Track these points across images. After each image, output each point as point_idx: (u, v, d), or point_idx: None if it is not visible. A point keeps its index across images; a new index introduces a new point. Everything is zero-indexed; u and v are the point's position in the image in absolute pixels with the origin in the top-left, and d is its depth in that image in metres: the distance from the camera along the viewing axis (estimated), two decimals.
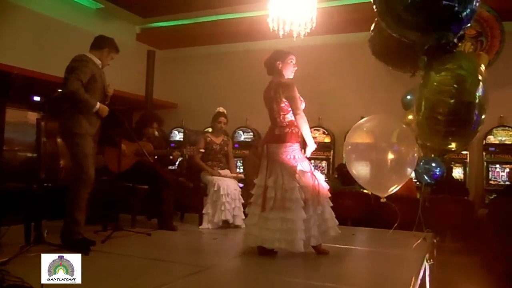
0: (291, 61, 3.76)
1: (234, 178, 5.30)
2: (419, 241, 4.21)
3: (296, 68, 3.79)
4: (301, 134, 3.67)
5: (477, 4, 2.98)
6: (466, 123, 3.35)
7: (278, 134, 3.66)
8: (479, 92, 3.26)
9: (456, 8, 2.83)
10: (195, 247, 4.36)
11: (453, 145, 3.51)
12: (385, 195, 4.59)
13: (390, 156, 4.40)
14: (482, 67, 3.42)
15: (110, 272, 3.07)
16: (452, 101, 3.21)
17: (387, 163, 4.41)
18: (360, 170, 4.65)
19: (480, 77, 3.29)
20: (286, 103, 3.64)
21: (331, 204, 3.67)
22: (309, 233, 3.48)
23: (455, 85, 3.22)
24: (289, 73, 3.77)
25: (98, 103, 3.68)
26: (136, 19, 9.22)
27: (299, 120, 3.61)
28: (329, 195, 3.68)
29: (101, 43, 3.84)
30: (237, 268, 3.52)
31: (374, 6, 3.29)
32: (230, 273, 3.33)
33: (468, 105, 3.23)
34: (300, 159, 3.66)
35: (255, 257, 3.56)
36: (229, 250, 4.12)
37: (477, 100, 3.26)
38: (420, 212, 4.47)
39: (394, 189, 4.56)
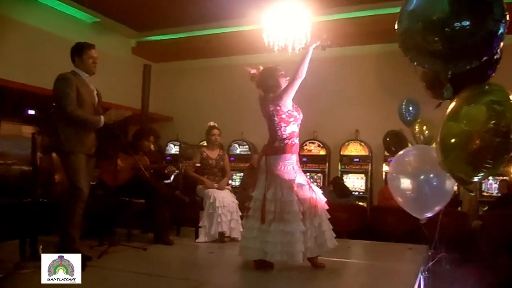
0: (281, 73, 3.80)
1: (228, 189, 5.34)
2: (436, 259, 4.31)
3: (288, 78, 3.81)
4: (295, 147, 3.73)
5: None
6: (502, 158, 3.28)
7: (278, 146, 3.69)
8: None
9: (496, 29, 2.73)
10: (191, 262, 4.35)
11: (482, 176, 3.43)
12: (426, 217, 4.57)
13: (431, 182, 4.40)
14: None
15: None
16: (488, 136, 3.13)
17: (428, 189, 4.40)
18: (404, 195, 4.63)
19: None
20: (287, 114, 3.68)
21: (329, 216, 3.69)
22: (306, 245, 3.48)
23: (491, 121, 3.14)
24: (283, 85, 3.79)
25: (101, 116, 3.70)
26: (132, 33, 9.27)
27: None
28: (327, 207, 3.71)
29: (72, 56, 3.80)
30: (233, 283, 3.52)
31: (399, 44, 3.23)
32: (225, 287, 3.33)
33: (505, 140, 3.04)
34: (298, 171, 3.69)
35: (251, 271, 3.56)
36: (225, 264, 4.11)
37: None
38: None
39: (435, 211, 4.58)
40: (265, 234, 3.48)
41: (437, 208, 4.48)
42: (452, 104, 3.38)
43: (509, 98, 3.13)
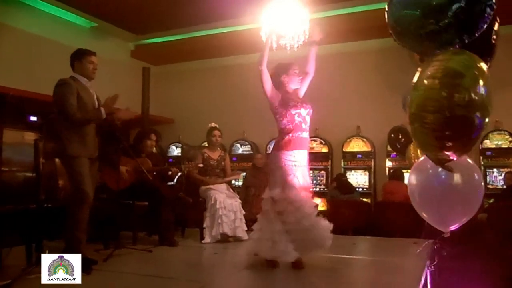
0: (295, 72, 3.78)
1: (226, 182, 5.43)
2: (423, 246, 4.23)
3: (301, 77, 3.81)
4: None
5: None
6: (464, 132, 3.02)
7: (277, 141, 3.69)
8: (480, 91, 2.78)
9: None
10: (196, 263, 4.35)
11: (450, 154, 3.22)
12: (449, 230, 4.43)
13: (455, 191, 4.24)
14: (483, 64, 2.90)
15: None
16: (445, 106, 2.93)
17: (452, 199, 4.24)
18: (426, 208, 4.48)
19: (479, 73, 2.83)
20: (282, 108, 3.66)
21: (321, 217, 3.58)
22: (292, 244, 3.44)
23: (443, 93, 2.91)
24: (295, 84, 3.80)
25: (102, 109, 3.71)
26: (130, 36, 9.28)
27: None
28: (315, 209, 3.60)
29: (71, 62, 3.82)
30: (238, 283, 3.50)
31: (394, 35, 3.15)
32: None
33: (466, 110, 2.76)
34: (299, 169, 3.60)
35: (255, 271, 3.57)
36: (229, 265, 4.12)
37: (477, 99, 2.76)
38: None
39: (459, 224, 4.40)
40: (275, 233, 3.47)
41: (464, 219, 4.30)
42: (418, 72, 3.21)
43: (470, 68, 2.90)
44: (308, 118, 3.74)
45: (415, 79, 3.06)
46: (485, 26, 2.83)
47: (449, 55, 2.91)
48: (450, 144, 2.92)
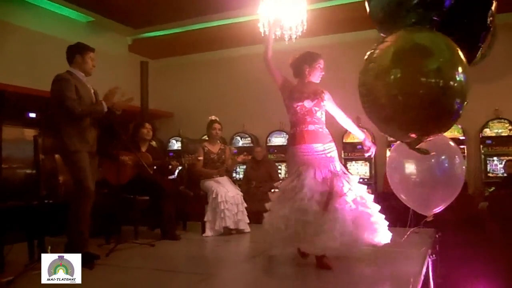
0: (319, 66, 3.63)
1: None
2: (408, 234, 4.28)
3: (323, 73, 3.67)
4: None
5: None
6: (440, 114, 2.73)
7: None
8: (459, 77, 2.63)
9: None
10: (199, 256, 4.36)
11: (420, 138, 3.10)
12: (431, 214, 4.28)
13: (436, 174, 4.07)
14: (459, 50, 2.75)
15: (115, 285, 3.09)
16: (392, 88, 2.68)
17: (432, 182, 4.06)
18: (407, 191, 4.34)
19: (450, 52, 2.69)
20: (287, 102, 3.62)
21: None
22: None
23: (392, 75, 2.68)
24: (315, 78, 3.66)
25: (103, 103, 3.72)
26: (127, 30, 9.24)
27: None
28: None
29: (71, 55, 3.80)
30: (240, 275, 3.51)
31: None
32: (233, 280, 3.33)
33: (444, 91, 2.59)
34: (301, 162, 3.45)
35: (257, 263, 3.58)
36: (232, 257, 4.13)
37: (455, 85, 2.61)
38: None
39: (440, 208, 4.24)
40: None
41: (445, 204, 4.20)
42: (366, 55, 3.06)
43: (439, 36, 2.76)
44: (316, 110, 3.58)
45: (364, 62, 3.01)
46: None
47: (398, 34, 2.87)
48: (395, 123, 2.86)
